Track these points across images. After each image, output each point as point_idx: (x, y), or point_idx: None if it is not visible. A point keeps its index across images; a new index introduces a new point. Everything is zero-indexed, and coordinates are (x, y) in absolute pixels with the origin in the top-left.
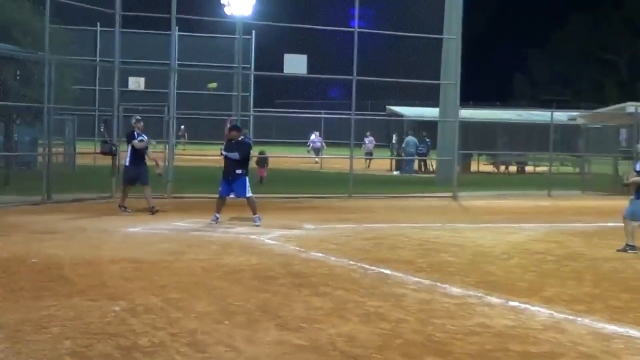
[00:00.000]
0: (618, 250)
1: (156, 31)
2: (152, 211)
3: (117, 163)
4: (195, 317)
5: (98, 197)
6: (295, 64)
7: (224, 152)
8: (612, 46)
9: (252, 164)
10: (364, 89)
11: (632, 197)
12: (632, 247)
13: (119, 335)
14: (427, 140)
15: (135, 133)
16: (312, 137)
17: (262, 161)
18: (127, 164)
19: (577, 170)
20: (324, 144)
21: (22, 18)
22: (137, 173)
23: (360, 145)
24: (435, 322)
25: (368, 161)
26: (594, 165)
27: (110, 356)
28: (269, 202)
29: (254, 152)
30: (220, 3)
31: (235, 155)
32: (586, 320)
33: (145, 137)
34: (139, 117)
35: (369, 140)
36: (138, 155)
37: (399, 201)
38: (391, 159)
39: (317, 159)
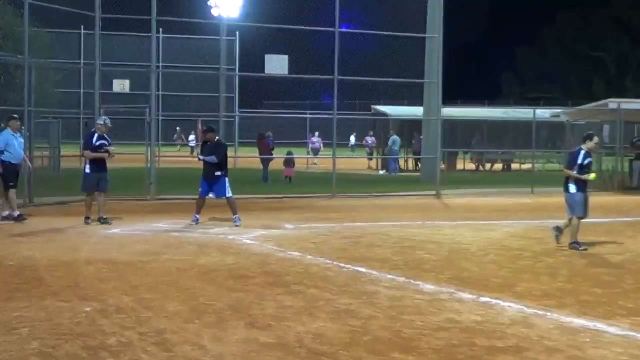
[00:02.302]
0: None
1: (138, 33)
2: (102, 221)
3: None
4: (166, 316)
5: (80, 200)
6: (277, 65)
7: (201, 157)
8: (599, 43)
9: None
10: (351, 89)
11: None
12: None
13: (87, 335)
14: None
15: (95, 136)
16: (313, 138)
17: (289, 161)
18: (88, 170)
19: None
20: (321, 145)
21: (2, 22)
22: (98, 179)
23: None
24: (404, 319)
25: (370, 161)
26: None
27: (77, 356)
28: (252, 203)
29: (280, 152)
30: (207, 5)
31: (212, 158)
32: (555, 315)
33: (106, 142)
34: (104, 120)
35: (372, 140)
36: (98, 159)
37: (382, 200)
38: (375, 158)
39: (315, 160)
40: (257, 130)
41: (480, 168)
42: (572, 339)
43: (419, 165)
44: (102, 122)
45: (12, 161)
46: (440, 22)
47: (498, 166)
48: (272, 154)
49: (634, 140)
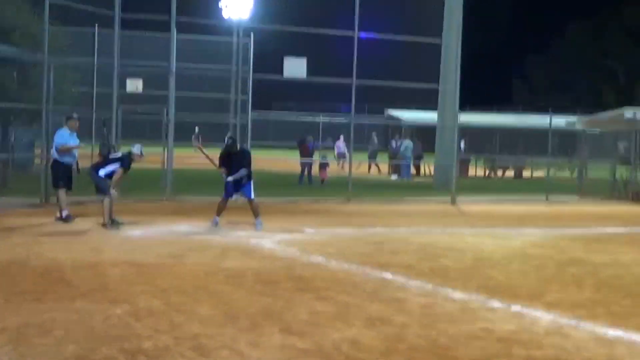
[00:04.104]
0: None
1: (155, 33)
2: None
3: None
4: (199, 321)
5: (97, 199)
6: (295, 67)
7: (230, 178)
8: (611, 53)
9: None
10: (362, 93)
11: None
12: None
13: (123, 339)
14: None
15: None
16: (338, 142)
17: (323, 165)
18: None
19: (575, 175)
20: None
21: (21, 21)
22: None
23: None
24: (438, 327)
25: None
26: (592, 170)
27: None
28: (268, 205)
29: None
30: (218, 6)
31: (242, 172)
32: (588, 326)
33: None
34: (140, 149)
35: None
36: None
37: (398, 205)
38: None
39: (342, 165)
40: (299, 135)
41: (492, 175)
42: (609, 350)
43: (429, 171)
44: (138, 152)
45: (64, 160)
46: (459, 28)
47: (510, 173)
48: (312, 158)
49: None
